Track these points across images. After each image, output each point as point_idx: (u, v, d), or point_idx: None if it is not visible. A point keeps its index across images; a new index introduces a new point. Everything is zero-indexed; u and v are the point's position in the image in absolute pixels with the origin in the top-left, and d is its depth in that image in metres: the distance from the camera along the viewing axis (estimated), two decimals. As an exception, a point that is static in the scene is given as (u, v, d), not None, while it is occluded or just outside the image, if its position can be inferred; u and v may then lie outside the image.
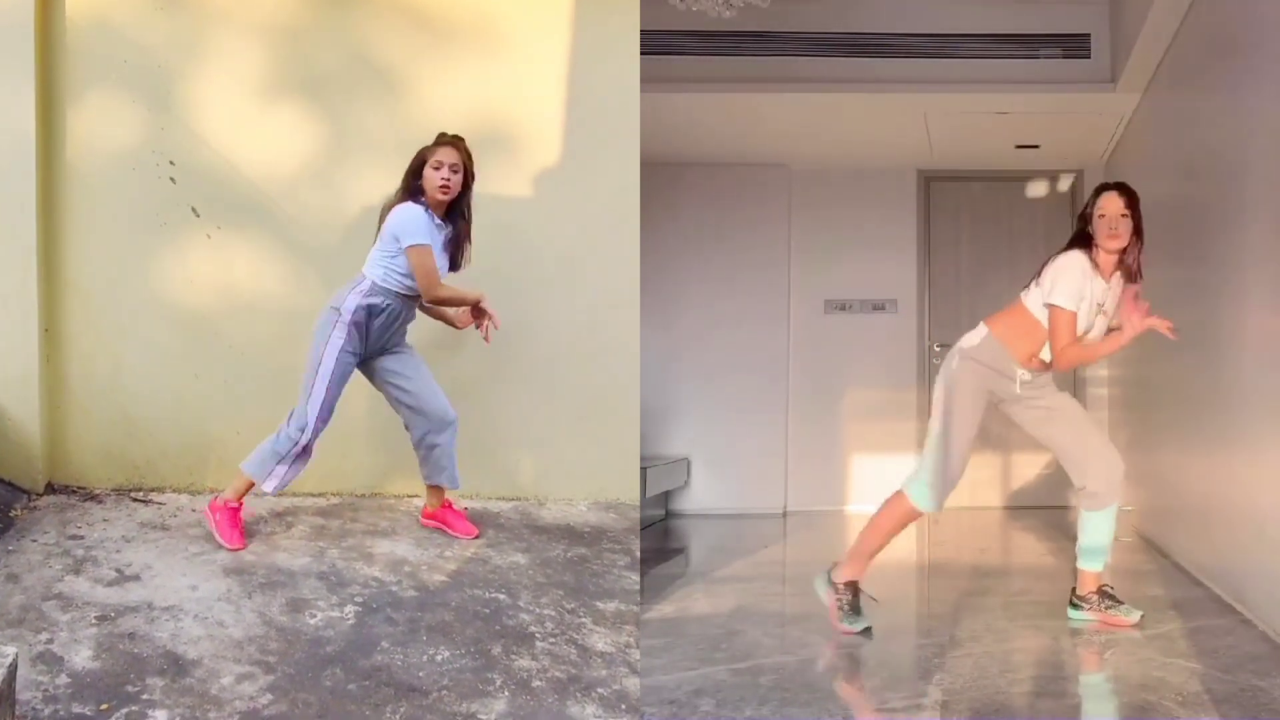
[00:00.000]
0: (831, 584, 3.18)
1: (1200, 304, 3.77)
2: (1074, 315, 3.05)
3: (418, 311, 3.55)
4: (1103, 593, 3.23)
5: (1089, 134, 5.29)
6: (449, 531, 3.63)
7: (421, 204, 3.34)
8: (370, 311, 3.36)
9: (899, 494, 3.18)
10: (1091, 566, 3.25)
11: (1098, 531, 3.25)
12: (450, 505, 3.68)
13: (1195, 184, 3.92)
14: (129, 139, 3.78)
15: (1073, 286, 3.05)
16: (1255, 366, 3.20)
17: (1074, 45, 4.65)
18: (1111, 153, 5.50)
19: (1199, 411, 3.80)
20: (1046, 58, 4.65)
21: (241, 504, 3.43)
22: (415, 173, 3.37)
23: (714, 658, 2.90)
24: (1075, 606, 3.26)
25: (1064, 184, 5.94)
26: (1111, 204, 3.11)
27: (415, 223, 3.30)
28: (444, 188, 3.34)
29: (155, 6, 3.77)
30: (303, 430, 3.33)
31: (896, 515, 3.18)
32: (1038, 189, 5.97)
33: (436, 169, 3.34)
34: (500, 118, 4.00)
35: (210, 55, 3.81)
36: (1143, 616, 3.18)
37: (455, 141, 3.40)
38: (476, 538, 3.61)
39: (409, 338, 3.62)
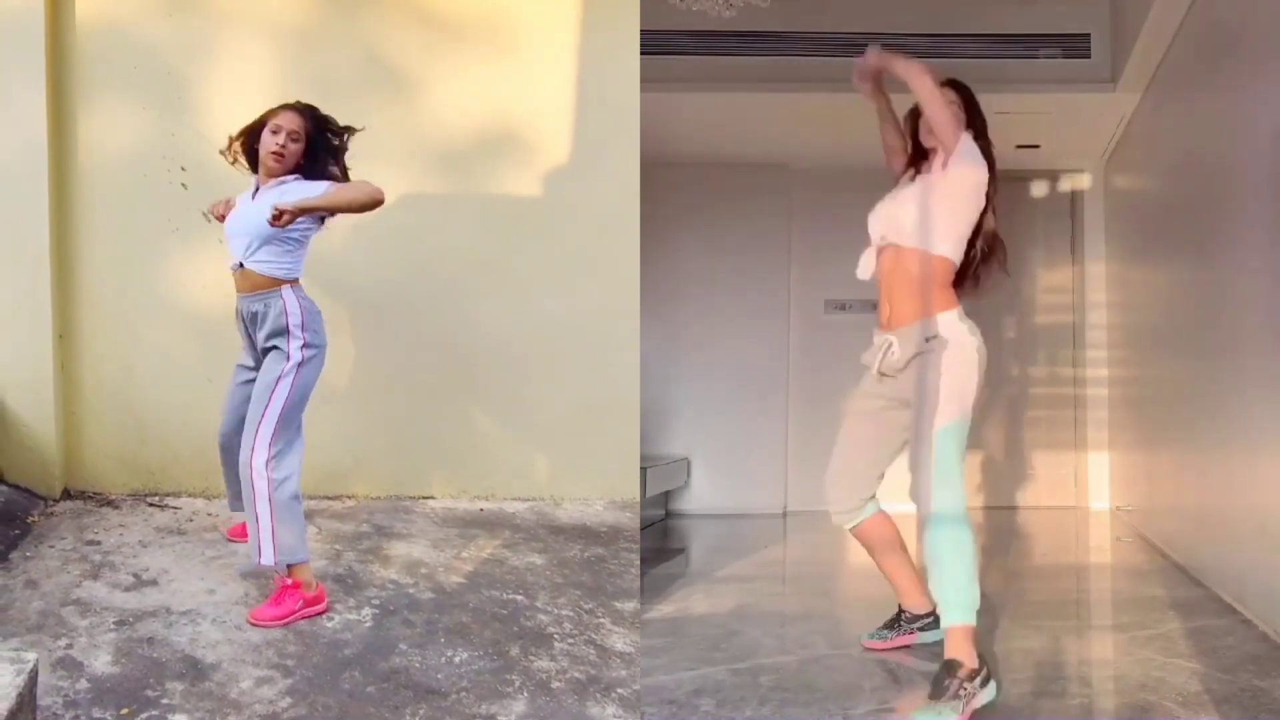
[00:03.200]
0: None
1: (1200, 303, 3.77)
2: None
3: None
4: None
5: (1089, 134, 5.29)
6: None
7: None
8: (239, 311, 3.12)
9: None
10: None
11: (935, 561, 2.62)
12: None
13: (1195, 183, 3.92)
14: (140, 144, 3.79)
15: None
16: (1255, 366, 3.20)
17: (1074, 45, 4.64)
18: (1111, 153, 5.50)
19: (1199, 411, 3.80)
20: (1046, 58, 4.65)
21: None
22: (255, 135, 3.05)
23: (714, 658, 2.90)
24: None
25: (1064, 184, 5.94)
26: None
27: None
28: (276, 154, 2.99)
29: (164, 11, 3.77)
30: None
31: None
32: (1038, 189, 5.96)
33: (274, 133, 3.00)
34: (506, 119, 4.01)
35: (220, 59, 3.82)
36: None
37: (300, 107, 3.08)
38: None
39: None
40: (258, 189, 3.06)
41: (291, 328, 2.98)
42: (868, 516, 2.86)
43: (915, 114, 2.89)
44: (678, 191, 5.67)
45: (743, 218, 5.79)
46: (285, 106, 3.08)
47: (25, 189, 3.62)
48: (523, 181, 4.04)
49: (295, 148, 3.02)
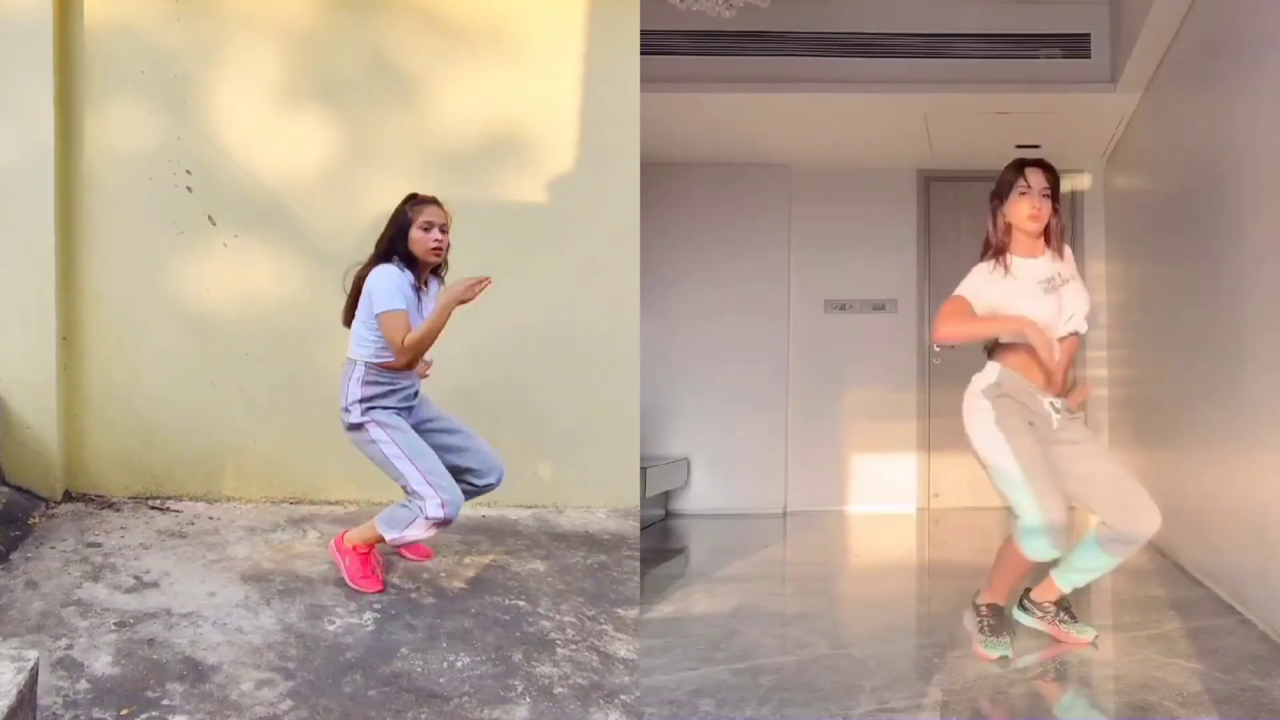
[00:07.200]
0: (974, 606, 3.00)
1: (1200, 304, 3.77)
2: (963, 301, 2.89)
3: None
4: (1060, 605, 3.03)
5: (1089, 134, 5.28)
6: (407, 556, 3.42)
7: (398, 265, 3.05)
8: (383, 395, 3.10)
9: (1010, 542, 2.90)
10: (1062, 583, 2.99)
11: (1092, 566, 2.93)
12: None
13: (1195, 183, 3.92)
14: (146, 147, 3.80)
15: (970, 285, 2.91)
16: (1255, 366, 3.20)
17: (1074, 45, 4.64)
18: (1111, 153, 5.49)
19: (1199, 411, 3.80)
20: (1046, 58, 4.65)
21: (372, 548, 3.22)
22: (402, 235, 3.05)
23: (714, 658, 2.90)
24: (1024, 610, 3.08)
25: (1064, 184, 5.93)
26: (1036, 180, 2.95)
27: (388, 284, 2.99)
28: (436, 250, 3.06)
29: (173, 15, 3.78)
30: (423, 501, 3.02)
31: (1012, 565, 2.93)
32: (1038, 189, 5.95)
33: (427, 230, 3.04)
34: (509, 125, 4.01)
35: (227, 63, 3.82)
36: (1096, 637, 2.99)
37: (438, 201, 3.13)
38: (431, 558, 3.45)
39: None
40: (419, 287, 3.09)
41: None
42: None
43: (999, 196, 3.05)
44: (678, 191, 5.67)
45: (743, 218, 5.79)
46: (429, 201, 3.10)
47: (31, 191, 3.63)
48: (524, 188, 4.04)
49: (447, 239, 3.11)
